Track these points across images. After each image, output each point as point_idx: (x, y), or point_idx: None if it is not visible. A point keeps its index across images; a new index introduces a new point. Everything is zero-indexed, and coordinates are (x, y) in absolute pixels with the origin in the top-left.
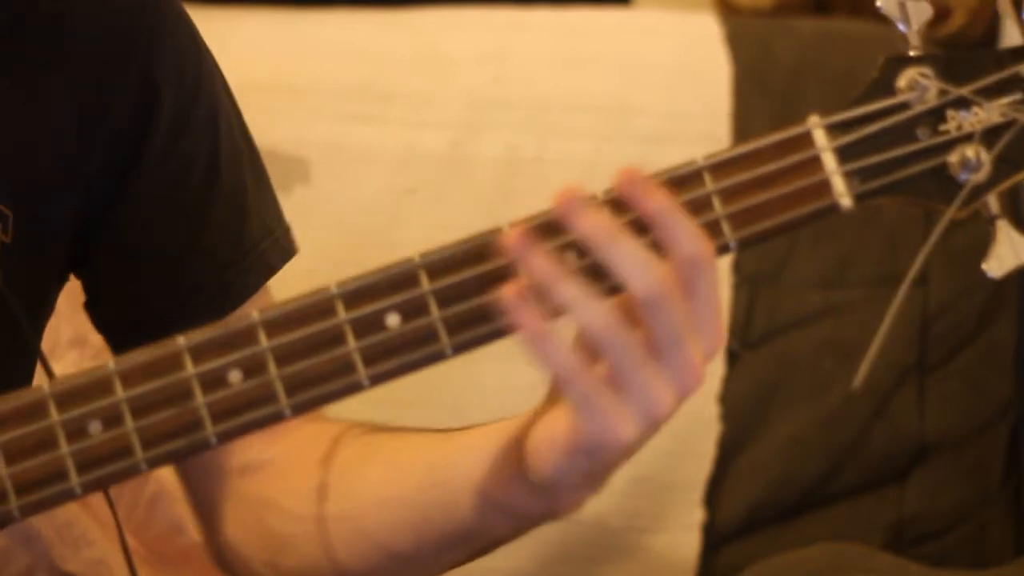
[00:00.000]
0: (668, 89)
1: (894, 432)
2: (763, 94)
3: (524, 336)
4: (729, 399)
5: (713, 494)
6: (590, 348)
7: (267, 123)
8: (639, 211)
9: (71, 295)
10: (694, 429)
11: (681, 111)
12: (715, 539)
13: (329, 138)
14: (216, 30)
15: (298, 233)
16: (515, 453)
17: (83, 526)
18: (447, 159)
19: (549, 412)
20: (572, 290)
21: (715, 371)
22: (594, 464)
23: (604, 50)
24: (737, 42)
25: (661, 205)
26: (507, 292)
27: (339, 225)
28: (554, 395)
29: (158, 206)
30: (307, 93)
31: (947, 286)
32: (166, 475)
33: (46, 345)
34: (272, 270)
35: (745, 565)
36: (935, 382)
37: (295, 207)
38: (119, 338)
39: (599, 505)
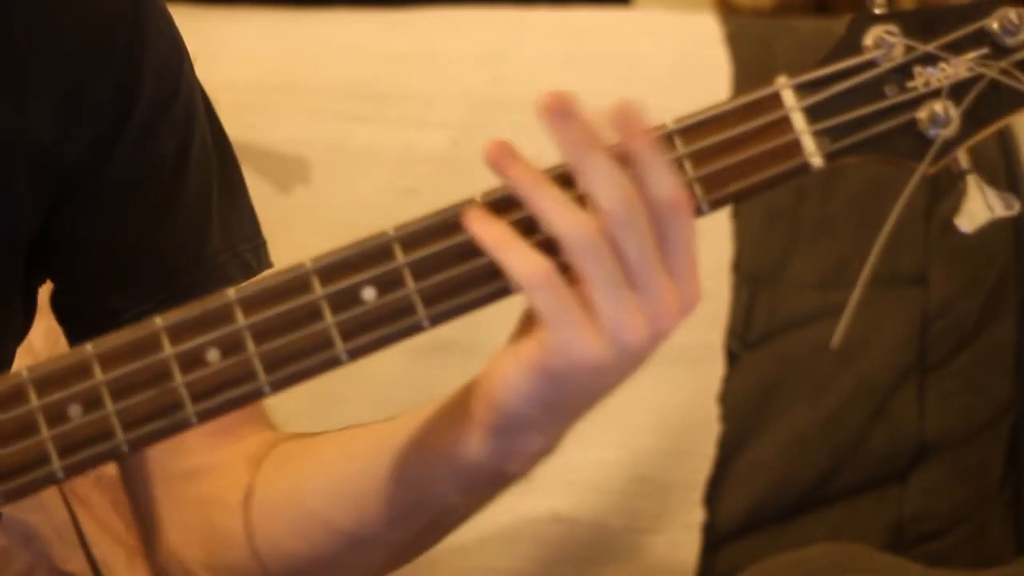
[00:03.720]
0: (668, 89)
1: (894, 432)
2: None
3: (491, 246)
4: (729, 399)
5: (713, 494)
6: (566, 266)
7: (267, 123)
8: (626, 144)
9: None
10: (694, 429)
11: (681, 111)
12: (715, 539)
13: (329, 138)
14: (216, 30)
15: (298, 233)
16: (464, 402)
17: (83, 526)
18: (447, 159)
19: (512, 345)
20: (552, 195)
21: (715, 371)
22: (555, 393)
23: (604, 50)
24: (737, 42)
25: (649, 143)
26: (471, 209)
27: (339, 225)
28: (520, 330)
29: (121, 204)
30: (307, 93)
31: (947, 286)
32: None
33: (46, 346)
34: (231, 283)
35: (745, 565)
36: (935, 382)
37: (295, 207)
38: (77, 335)
39: (599, 505)
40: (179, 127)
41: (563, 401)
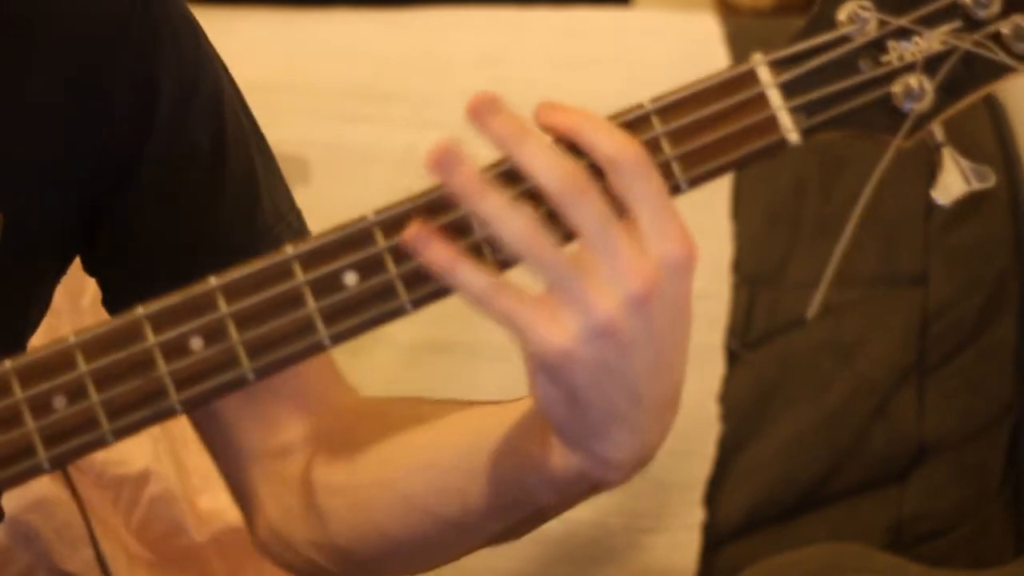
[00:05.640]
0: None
1: (894, 432)
2: None
3: (435, 268)
4: (729, 399)
5: (713, 494)
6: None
7: (267, 123)
8: (550, 128)
9: (71, 294)
10: (694, 429)
11: None
12: (715, 539)
13: (329, 138)
14: (216, 30)
15: None
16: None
17: (82, 526)
18: None
19: None
20: (492, 202)
21: (715, 371)
22: (568, 388)
23: (604, 50)
24: (737, 42)
25: (571, 117)
26: (410, 230)
27: None
28: None
29: (165, 196)
30: (307, 93)
31: (947, 286)
32: (167, 476)
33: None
34: None
35: (745, 565)
36: (935, 382)
37: None
38: None
39: (599, 505)
40: (209, 111)
41: (591, 397)
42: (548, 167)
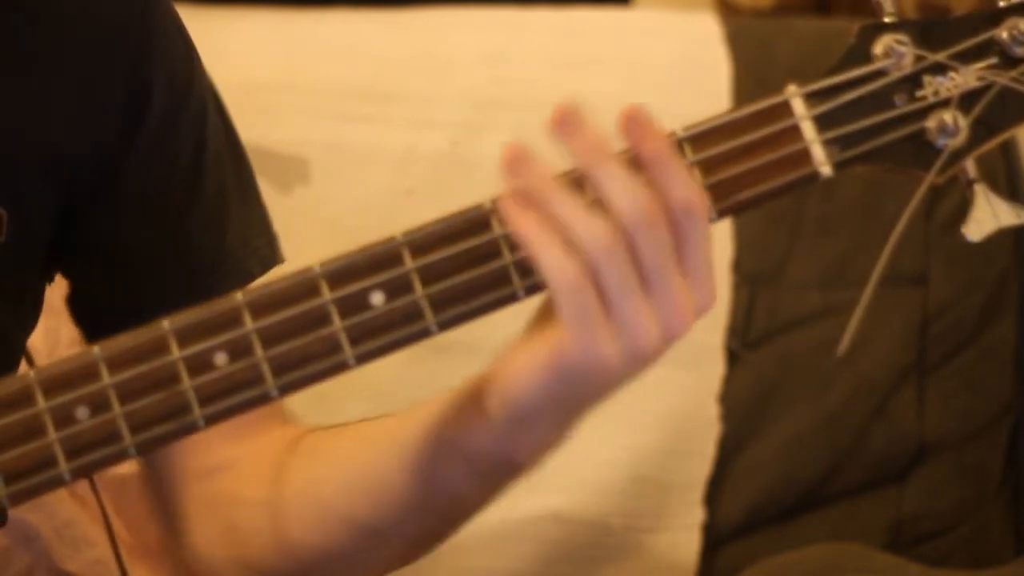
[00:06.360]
0: (668, 89)
1: (894, 432)
2: (763, 94)
3: (526, 242)
4: (729, 399)
5: (713, 494)
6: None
7: (267, 123)
8: (638, 149)
9: None
10: (694, 429)
11: (681, 111)
12: (715, 539)
13: (329, 138)
14: (216, 30)
15: (298, 233)
16: (476, 394)
17: (83, 526)
18: (447, 159)
19: (526, 341)
20: (570, 201)
21: (715, 371)
22: (568, 391)
23: (604, 50)
24: (737, 42)
25: (661, 147)
26: (506, 198)
27: (339, 225)
28: (534, 325)
29: (140, 205)
30: (307, 93)
31: (947, 286)
32: None
33: (46, 346)
34: (251, 278)
35: (745, 565)
36: (935, 382)
37: (295, 207)
38: (95, 336)
39: (599, 505)
40: (193, 127)
41: (573, 399)
42: (626, 194)
